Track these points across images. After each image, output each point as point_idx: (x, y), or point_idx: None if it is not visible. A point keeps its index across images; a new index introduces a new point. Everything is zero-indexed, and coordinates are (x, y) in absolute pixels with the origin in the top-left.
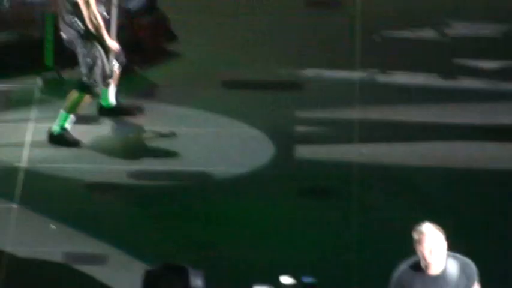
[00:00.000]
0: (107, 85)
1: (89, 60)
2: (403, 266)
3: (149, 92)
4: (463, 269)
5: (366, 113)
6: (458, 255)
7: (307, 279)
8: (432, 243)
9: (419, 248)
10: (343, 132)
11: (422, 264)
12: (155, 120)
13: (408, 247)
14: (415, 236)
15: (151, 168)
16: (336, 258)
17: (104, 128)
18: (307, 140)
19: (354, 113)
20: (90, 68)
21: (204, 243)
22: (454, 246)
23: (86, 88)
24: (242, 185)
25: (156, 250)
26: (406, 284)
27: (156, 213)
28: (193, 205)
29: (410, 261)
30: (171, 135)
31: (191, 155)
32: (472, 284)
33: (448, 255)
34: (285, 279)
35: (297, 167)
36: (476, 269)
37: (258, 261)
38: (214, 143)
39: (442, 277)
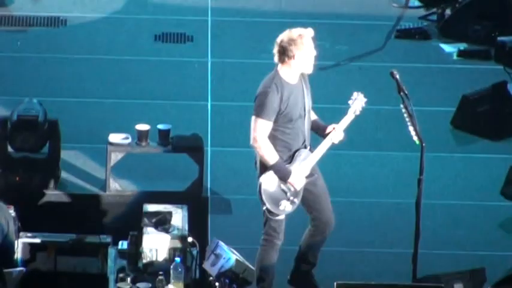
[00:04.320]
0: None
1: None
2: None
3: None
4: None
5: None
6: None
7: (162, 126)
8: None
9: None
10: None
11: None
12: None
13: None
14: None
15: None
16: (190, 103)
17: None
18: None
19: None
20: None
21: None
22: None
23: None
24: (97, 29)
25: None
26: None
27: None
28: None
29: None
30: None
31: (44, 1)
32: None
33: None
34: (140, 126)
35: (152, 11)
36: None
37: (115, 110)
38: None
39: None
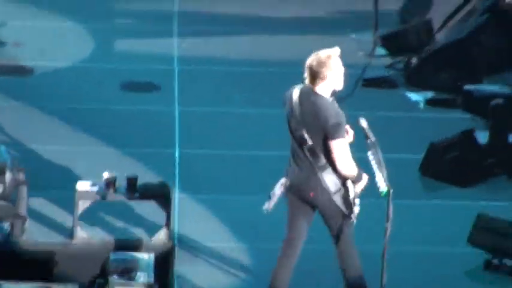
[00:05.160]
0: None
1: None
2: None
3: None
4: None
5: (186, 6)
6: None
7: (130, 174)
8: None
9: None
10: (163, 26)
11: None
12: None
13: (235, 136)
14: None
15: None
16: (158, 151)
17: None
18: (127, 33)
19: (173, 6)
20: None
21: None
22: None
23: None
24: (62, 77)
25: None
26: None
27: None
28: None
29: None
30: None
31: (11, 49)
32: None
33: None
34: (108, 174)
35: (119, 61)
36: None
37: (83, 158)
38: (30, 35)
39: None
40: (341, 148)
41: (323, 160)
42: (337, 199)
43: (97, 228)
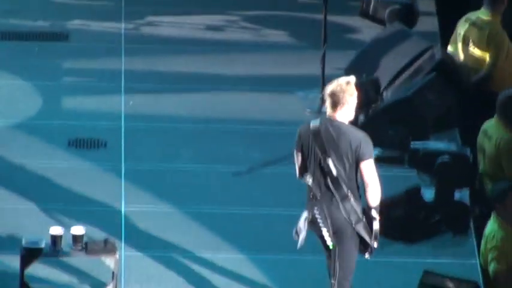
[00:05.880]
0: None
1: None
2: None
3: None
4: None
5: (132, 64)
6: None
7: (76, 230)
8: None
9: None
10: (110, 83)
11: None
12: None
13: (182, 193)
14: None
15: None
16: (104, 209)
17: None
18: (74, 90)
19: (121, 64)
20: None
21: None
22: None
23: None
24: (11, 137)
25: None
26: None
27: None
28: None
29: None
30: None
31: None
32: None
33: None
34: (54, 230)
35: (66, 118)
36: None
37: (29, 215)
38: None
39: None
40: (373, 167)
41: (345, 191)
42: (360, 229)
43: (43, 286)
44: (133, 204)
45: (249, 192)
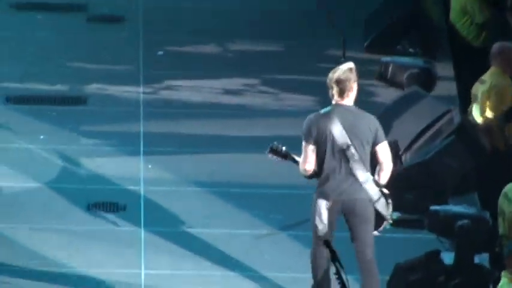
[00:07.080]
0: None
1: None
2: None
3: None
4: None
5: (151, 127)
6: None
7: None
8: None
9: None
10: (129, 146)
11: None
12: None
13: (203, 256)
14: None
15: None
16: (124, 271)
17: None
18: (93, 154)
19: (139, 127)
20: None
21: None
22: None
23: None
24: (30, 200)
25: None
26: None
27: None
28: None
29: None
30: None
31: None
32: None
33: None
34: None
35: (85, 181)
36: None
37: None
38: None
39: None
40: (388, 149)
41: (365, 173)
42: (379, 206)
43: None
44: (153, 269)
45: (269, 254)
